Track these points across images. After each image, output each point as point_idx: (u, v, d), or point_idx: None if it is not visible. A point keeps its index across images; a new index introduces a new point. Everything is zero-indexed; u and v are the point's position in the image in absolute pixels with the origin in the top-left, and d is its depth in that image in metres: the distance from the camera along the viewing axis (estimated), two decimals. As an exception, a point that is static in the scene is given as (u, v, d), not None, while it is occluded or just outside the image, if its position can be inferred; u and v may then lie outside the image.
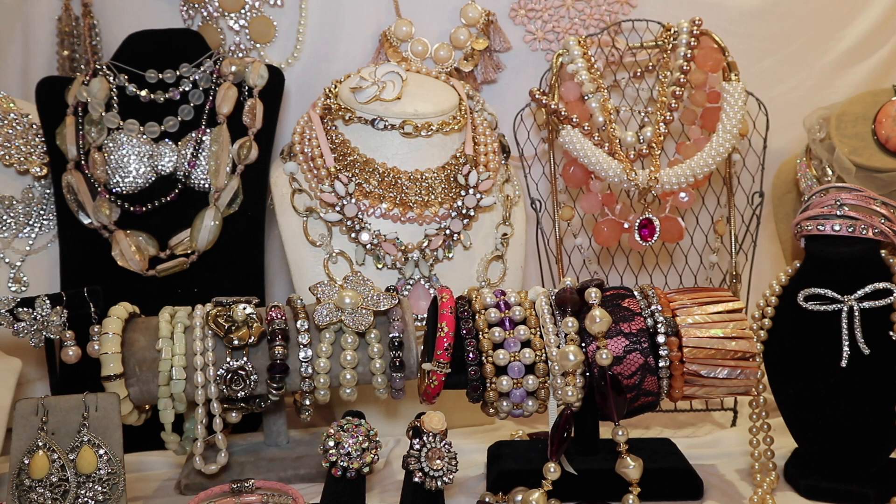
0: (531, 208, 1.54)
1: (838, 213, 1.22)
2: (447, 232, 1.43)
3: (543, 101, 1.50)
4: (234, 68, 1.52)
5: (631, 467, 1.15)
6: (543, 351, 1.18)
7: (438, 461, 1.12)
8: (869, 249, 1.21)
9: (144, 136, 1.49)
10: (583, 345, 1.18)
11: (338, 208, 1.41)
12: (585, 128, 1.48)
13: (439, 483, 1.12)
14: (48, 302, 1.24)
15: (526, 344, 1.19)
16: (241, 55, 1.66)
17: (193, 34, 1.56)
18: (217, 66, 1.53)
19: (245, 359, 1.23)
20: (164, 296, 1.41)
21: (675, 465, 1.26)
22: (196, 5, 1.65)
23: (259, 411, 1.31)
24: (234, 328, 1.22)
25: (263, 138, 1.51)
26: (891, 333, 1.19)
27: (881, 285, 1.19)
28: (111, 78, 1.50)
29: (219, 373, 1.22)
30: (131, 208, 1.47)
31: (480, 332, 1.19)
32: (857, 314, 1.20)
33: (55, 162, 1.49)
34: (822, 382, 1.23)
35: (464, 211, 1.43)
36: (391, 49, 1.61)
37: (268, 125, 1.52)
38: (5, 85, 1.61)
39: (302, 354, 1.24)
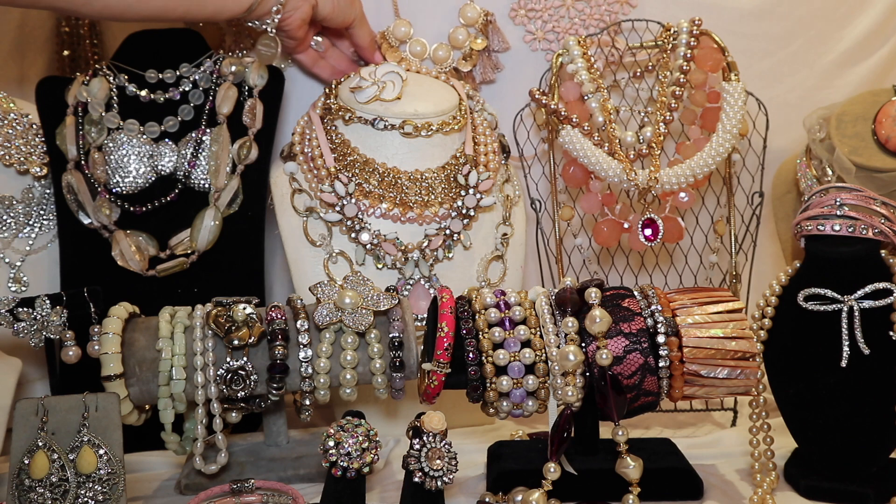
0: (531, 208, 1.54)
1: (838, 213, 1.22)
2: (447, 232, 1.43)
3: (543, 101, 1.50)
4: (234, 68, 1.52)
5: (631, 467, 1.15)
6: (543, 351, 1.19)
7: (438, 461, 1.12)
8: (869, 249, 1.21)
9: (144, 136, 1.49)
10: (583, 345, 1.18)
11: (338, 208, 1.41)
12: (585, 128, 1.48)
13: (439, 483, 1.12)
14: (48, 302, 1.24)
15: (526, 344, 1.19)
16: (241, 55, 1.66)
17: (193, 34, 1.56)
18: (217, 66, 1.53)
19: (245, 359, 1.23)
20: (164, 296, 1.41)
21: (675, 465, 1.26)
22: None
23: (259, 411, 1.31)
24: (234, 328, 1.23)
25: (263, 138, 1.51)
26: (891, 333, 1.19)
27: (881, 285, 1.20)
28: (111, 78, 1.50)
29: (219, 373, 1.22)
30: (131, 208, 1.47)
31: (480, 332, 1.19)
32: (857, 314, 1.20)
33: (55, 162, 1.49)
34: (822, 382, 1.23)
35: (464, 211, 1.43)
36: (389, 49, 1.61)
37: (268, 125, 1.52)
38: (5, 85, 1.61)
39: (302, 354, 1.24)
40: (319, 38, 1.58)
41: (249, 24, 1.47)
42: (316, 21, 1.51)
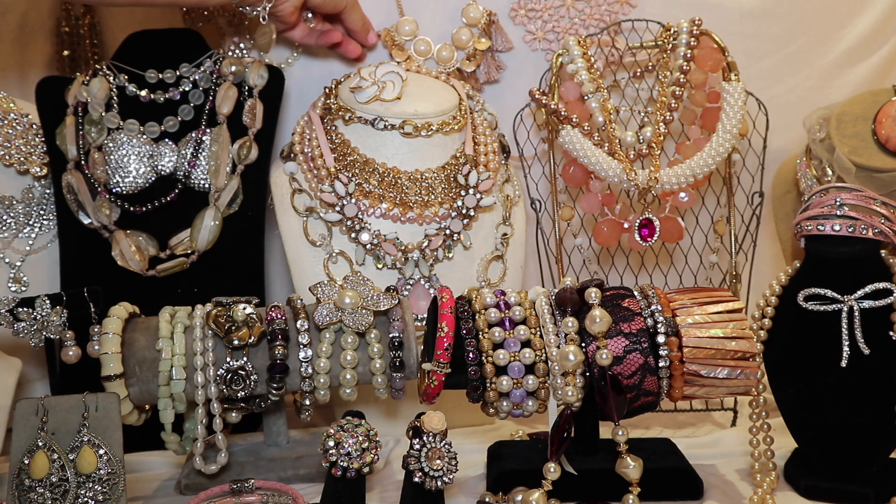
0: (531, 208, 1.54)
1: (838, 213, 1.22)
2: (447, 232, 1.43)
3: (543, 101, 1.50)
4: (234, 68, 1.52)
5: (631, 467, 1.15)
6: (543, 351, 1.19)
7: (438, 461, 1.12)
8: (869, 249, 1.21)
9: (144, 136, 1.49)
10: (583, 345, 1.18)
11: (338, 208, 1.41)
12: (585, 128, 1.48)
13: (439, 483, 1.12)
14: (48, 302, 1.24)
15: (526, 344, 1.19)
16: (241, 55, 1.66)
17: (193, 34, 1.56)
18: (217, 66, 1.53)
19: (245, 359, 1.23)
20: (164, 296, 1.41)
21: (675, 465, 1.26)
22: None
23: (259, 411, 1.31)
24: (234, 328, 1.23)
25: (263, 138, 1.51)
26: (891, 333, 1.19)
27: (881, 285, 1.20)
28: (111, 78, 1.50)
29: (219, 373, 1.22)
30: (131, 208, 1.47)
31: (480, 332, 1.19)
32: (857, 314, 1.20)
33: (55, 162, 1.49)
34: (822, 382, 1.23)
35: (464, 211, 1.43)
36: (395, 47, 1.61)
37: (268, 125, 1.52)
38: (5, 85, 1.61)
39: (302, 354, 1.24)
40: (310, 15, 1.58)
41: (241, 9, 1.47)
42: (308, 6, 1.52)
